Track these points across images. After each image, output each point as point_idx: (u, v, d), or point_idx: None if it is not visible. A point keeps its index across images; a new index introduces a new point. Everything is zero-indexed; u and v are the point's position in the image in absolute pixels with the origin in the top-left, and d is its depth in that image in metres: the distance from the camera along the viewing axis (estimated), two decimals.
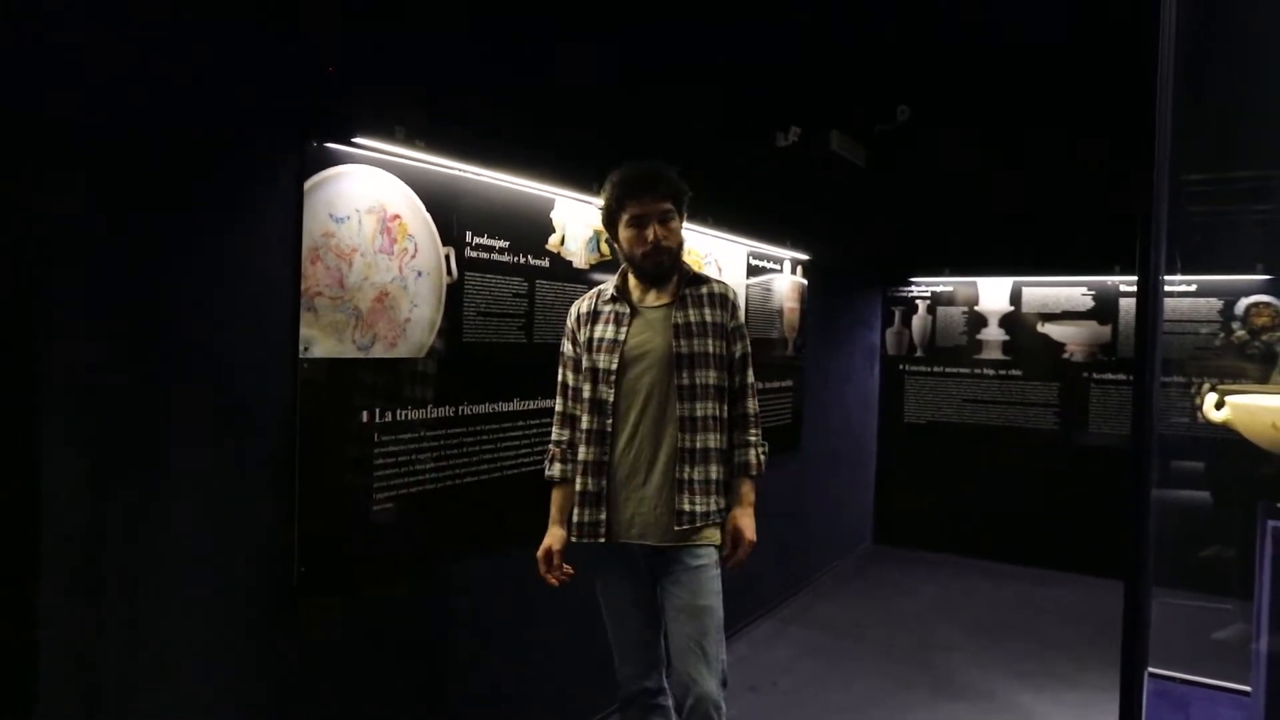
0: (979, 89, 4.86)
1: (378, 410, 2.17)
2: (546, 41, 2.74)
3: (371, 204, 2.13)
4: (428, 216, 2.29)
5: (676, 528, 2.09)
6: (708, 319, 2.18)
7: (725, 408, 2.21)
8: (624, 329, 2.17)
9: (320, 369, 2.01)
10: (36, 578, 1.47)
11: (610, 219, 2.20)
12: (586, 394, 2.18)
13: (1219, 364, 4.64)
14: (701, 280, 2.25)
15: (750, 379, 2.27)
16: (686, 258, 3.47)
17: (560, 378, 2.28)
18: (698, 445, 2.13)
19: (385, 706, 2.24)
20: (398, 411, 2.22)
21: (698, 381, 2.14)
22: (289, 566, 1.96)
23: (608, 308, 2.22)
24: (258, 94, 1.89)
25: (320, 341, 2.01)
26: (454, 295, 2.38)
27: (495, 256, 2.51)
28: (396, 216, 2.19)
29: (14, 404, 1.34)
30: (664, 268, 2.17)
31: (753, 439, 2.23)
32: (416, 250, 2.25)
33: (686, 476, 2.11)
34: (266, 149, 1.90)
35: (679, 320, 2.16)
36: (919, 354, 5.92)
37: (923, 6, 3.90)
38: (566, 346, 2.28)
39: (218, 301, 1.82)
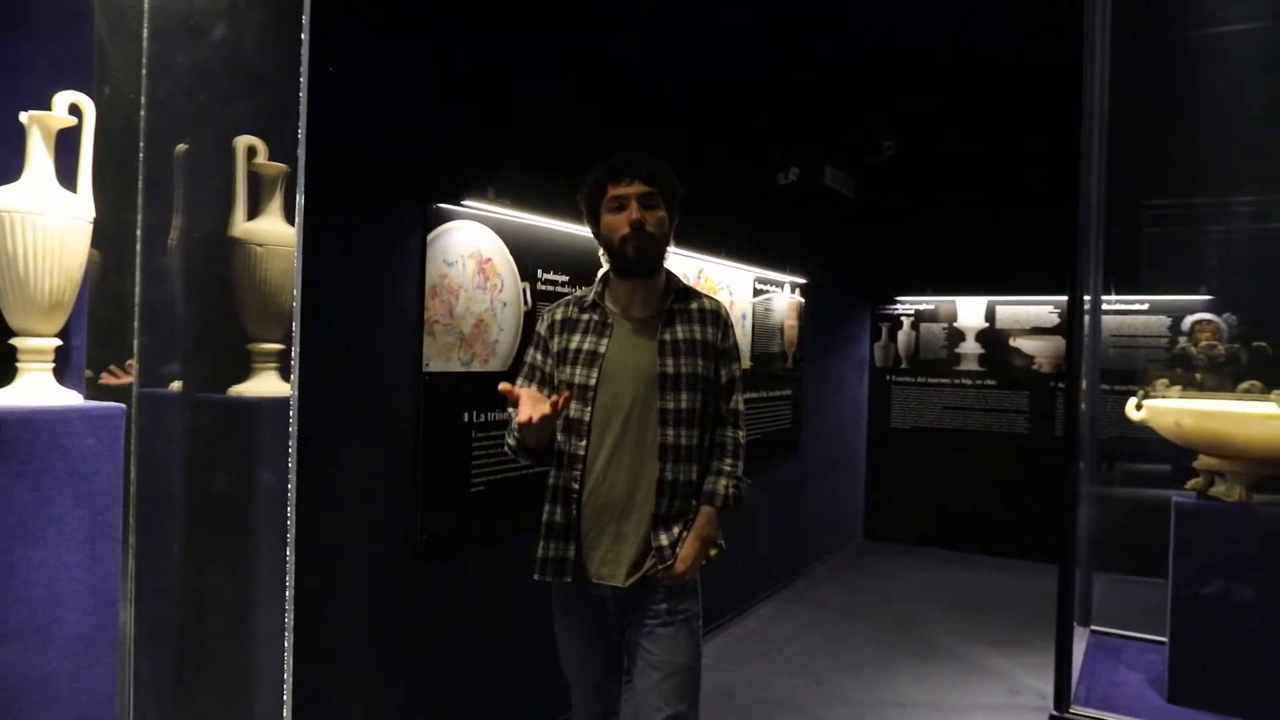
0: (956, 125, 5.50)
1: (474, 412, 2.74)
2: (598, 111, 3.34)
3: (472, 250, 2.71)
4: (510, 258, 2.87)
5: (656, 566, 1.90)
6: (698, 336, 1.97)
7: (707, 436, 2.00)
8: (604, 340, 1.95)
9: (435, 380, 2.59)
10: (245, 531, 2.05)
11: (592, 209, 1.99)
12: None
13: (1173, 374, 5.25)
14: (692, 295, 2.05)
15: (739, 405, 2.04)
16: (703, 285, 4.10)
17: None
18: (680, 477, 1.92)
19: (475, 650, 2.80)
20: (488, 413, 2.79)
21: (683, 405, 1.92)
22: (414, 533, 2.53)
23: (586, 316, 2.00)
24: (403, 171, 2.49)
25: (435, 358, 2.59)
26: (529, 320, 2.95)
27: (559, 289, 3.09)
28: (489, 259, 2.78)
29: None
30: (647, 259, 1.93)
31: (728, 468, 2.00)
32: (503, 286, 2.83)
33: (665, 510, 1.91)
34: (404, 211, 2.50)
35: (666, 336, 1.95)
36: (904, 365, 6.55)
37: (905, 53, 4.52)
38: (535, 355, 2.04)
39: (371, 325, 2.41)
